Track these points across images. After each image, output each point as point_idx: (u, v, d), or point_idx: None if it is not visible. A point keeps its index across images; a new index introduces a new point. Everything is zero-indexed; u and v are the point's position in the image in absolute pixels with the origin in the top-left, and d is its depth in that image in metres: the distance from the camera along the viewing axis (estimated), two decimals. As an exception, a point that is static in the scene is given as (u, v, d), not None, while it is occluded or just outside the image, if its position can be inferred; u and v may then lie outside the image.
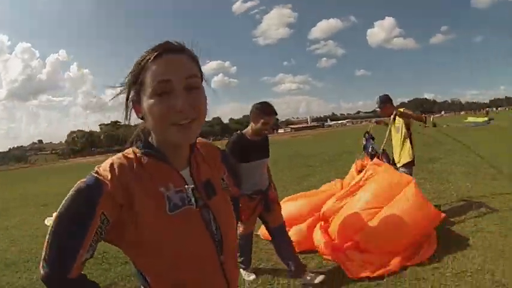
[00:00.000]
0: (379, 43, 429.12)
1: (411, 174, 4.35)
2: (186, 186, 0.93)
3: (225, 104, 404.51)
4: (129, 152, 0.92)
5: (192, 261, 0.90)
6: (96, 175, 0.82)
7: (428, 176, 7.17)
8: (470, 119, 33.04)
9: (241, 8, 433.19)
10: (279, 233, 3.28)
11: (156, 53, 0.85)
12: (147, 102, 0.85)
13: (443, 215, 3.59)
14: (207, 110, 0.92)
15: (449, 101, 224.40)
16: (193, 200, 0.92)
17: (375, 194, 3.77)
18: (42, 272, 0.82)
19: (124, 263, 4.10)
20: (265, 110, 3.02)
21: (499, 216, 4.25)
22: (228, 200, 1.08)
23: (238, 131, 3.29)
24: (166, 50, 0.86)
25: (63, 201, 0.81)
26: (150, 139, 0.94)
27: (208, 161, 1.07)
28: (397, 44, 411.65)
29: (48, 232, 0.81)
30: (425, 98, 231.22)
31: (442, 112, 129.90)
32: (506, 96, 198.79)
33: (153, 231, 0.84)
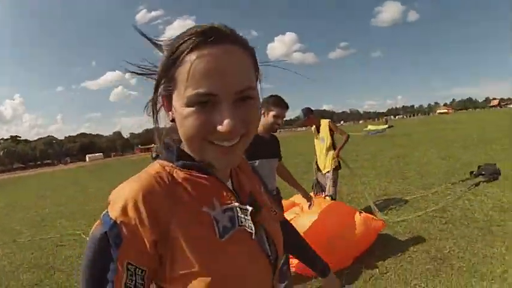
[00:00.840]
0: (279, 57, 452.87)
1: (337, 178, 5.00)
2: (235, 203, 0.73)
3: (126, 118, 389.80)
4: (155, 168, 0.70)
5: None
6: (111, 217, 0.62)
7: (342, 180, 7.89)
8: (371, 127, 35.61)
9: (145, 17, 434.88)
10: None
11: (196, 42, 0.61)
12: (180, 108, 0.64)
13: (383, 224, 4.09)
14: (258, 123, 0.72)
15: (348, 111, 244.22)
16: (244, 219, 0.72)
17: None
18: None
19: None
20: (276, 102, 2.84)
21: (416, 207, 5.19)
22: (272, 214, 0.88)
23: None
24: (213, 38, 0.61)
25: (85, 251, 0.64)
26: (182, 146, 0.75)
27: (243, 171, 0.89)
28: (297, 58, 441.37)
29: None
30: (324, 109, 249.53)
31: (341, 122, 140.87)
32: (403, 105, 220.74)
33: (202, 265, 0.63)
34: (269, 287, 0.78)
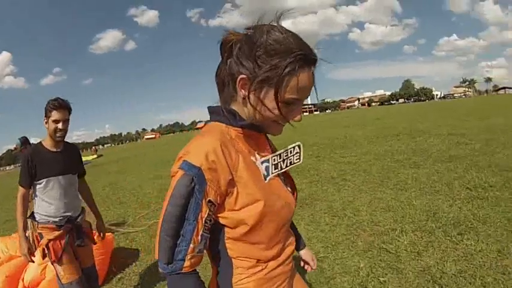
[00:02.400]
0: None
1: None
2: (271, 156, 1.00)
3: None
4: (218, 127, 0.94)
5: (282, 226, 0.98)
6: (194, 164, 0.82)
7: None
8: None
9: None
10: (89, 275, 2.62)
11: (304, 63, 0.83)
12: (269, 100, 0.86)
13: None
14: None
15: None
16: (274, 169, 0.99)
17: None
18: (160, 267, 0.86)
19: None
20: (52, 104, 2.30)
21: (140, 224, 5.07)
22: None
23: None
24: (311, 63, 0.86)
25: (168, 193, 0.85)
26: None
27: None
28: (8, 82, 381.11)
29: (158, 228, 0.85)
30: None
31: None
32: (111, 134, 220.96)
33: (259, 194, 0.89)
34: (292, 214, 1.04)
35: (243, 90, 0.88)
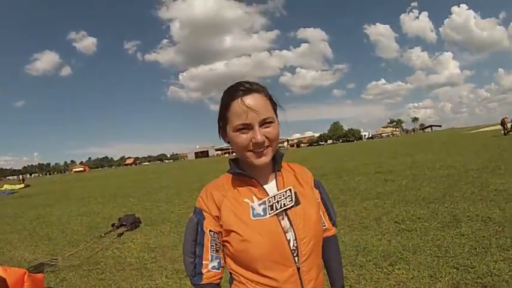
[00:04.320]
0: None
1: None
2: (267, 198, 1.13)
3: None
4: (222, 176, 1.23)
5: (269, 262, 1.08)
6: (196, 207, 1.17)
7: None
8: (7, 186, 32.31)
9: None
10: None
11: (234, 95, 1.09)
12: (231, 135, 1.11)
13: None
14: (279, 136, 1.16)
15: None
16: (271, 209, 1.11)
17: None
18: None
19: None
20: None
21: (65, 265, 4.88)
22: (314, 210, 1.21)
23: None
24: (238, 93, 1.09)
25: (186, 226, 1.19)
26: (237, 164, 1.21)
27: (299, 177, 1.28)
28: None
29: (183, 251, 1.18)
30: None
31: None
32: (39, 163, 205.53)
33: (238, 230, 1.08)
34: (290, 265, 1.10)
35: (226, 141, 1.19)
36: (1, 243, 6.56)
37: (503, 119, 24.87)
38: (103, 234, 6.96)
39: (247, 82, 1.13)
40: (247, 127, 1.07)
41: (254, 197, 1.13)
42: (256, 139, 1.06)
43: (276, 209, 1.11)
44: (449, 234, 4.47)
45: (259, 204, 1.11)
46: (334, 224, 1.44)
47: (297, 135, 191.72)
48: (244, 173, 1.15)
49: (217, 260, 1.15)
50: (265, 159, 1.11)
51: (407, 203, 6.59)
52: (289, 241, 1.10)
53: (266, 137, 1.08)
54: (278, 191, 1.16)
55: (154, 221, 7.94)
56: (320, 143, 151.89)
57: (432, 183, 8.21)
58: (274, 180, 1.21)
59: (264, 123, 1.08)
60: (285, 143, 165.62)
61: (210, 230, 1.12)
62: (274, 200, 1.12)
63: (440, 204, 6.06)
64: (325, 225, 1.36)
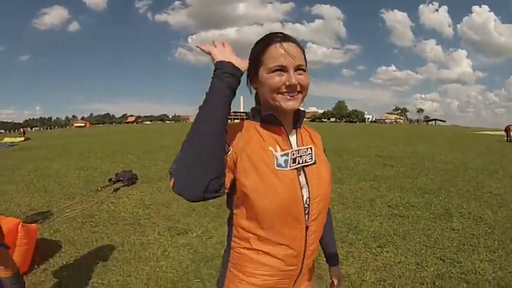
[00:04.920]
0: None
1: None
2: (290, 150, 1.11)
3: None
4: (242, 121, 1.16)
5: (285, 215, 1.06)
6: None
7: None
8: (7, 139, 32.56)
9: None
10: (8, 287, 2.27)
11: (272, 40, 1.11)
12: (265, 77, 1.10)
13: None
14: (308, 87, 1.14)
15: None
16: (293, 162, 1.09)
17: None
18: None
19: None
20: None
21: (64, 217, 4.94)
22: (327, 172, 1.21)
23: None
24: (275, 39, 1.11)
25: None
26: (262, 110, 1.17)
27: (314, 139, 1.27)
28: None
29: None
30: None
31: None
32: (40, 117, 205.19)
33: (262, 177, 1.03)
34: (301, 222, 1.10)
35: (255, 86, 1.18)
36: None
37: (508, 126, 24.52)
38: (99, 189, 6.98)
39: (284, 32, 1.17)
40: (282, 69, 1.08)
41: (278, 147, 1.10)
42: (290, 81, 1.07)
43: (298, 163, 1.11)
44: (440, 226, 4.53)
45: (282, 155, 1.09)
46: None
47: (301, 108, 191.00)
48: (275, 117, 1.13)
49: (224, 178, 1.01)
50: (294, 104, 1.10)
51: (402, 189, 6.66)
52: (305, 198, 1.11)
53: (299, 83, 1.09)
54: (297, 147, 1.16)
55: (151, 179, 7.98)
56: (323, 119, 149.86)
57: (430, 175, 8.23)
58: (295, 136, 1.20)
59: (298, 69, 1.10)
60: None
61: (227, 144, 1.03)
62: (298, 154, 1.12)
63: (435, 196, 6.10)
64: None
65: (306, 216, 1.11)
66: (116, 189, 6.86)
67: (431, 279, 3.10)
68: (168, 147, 15.66)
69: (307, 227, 1.11)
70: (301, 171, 1.13)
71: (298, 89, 1.09)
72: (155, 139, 23.04)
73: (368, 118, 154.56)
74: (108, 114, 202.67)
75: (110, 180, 7.58)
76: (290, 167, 1.08)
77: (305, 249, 1.14)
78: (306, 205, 1.11)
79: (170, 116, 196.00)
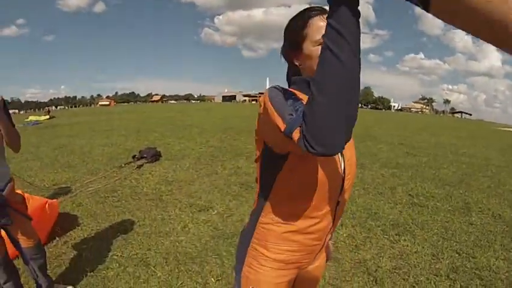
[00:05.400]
0: None
1: None
2: None
3: None
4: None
5: (322, 190, 1.06)
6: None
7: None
8: (32, 117, 33.27)
9: None
10: (30, 256, 2.38)
11: (313, 13, 1.06)
12: (310, 50, 1.05)
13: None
14: None
15: (9, 100, 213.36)
16: None
17: None
18: None
19: None
20: None
21: (87, 192, 4.96)
22: (354, 151, 1.21)
23: None
24: (317, 12, 1.06)
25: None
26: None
27: None
28: None
29: None
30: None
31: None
32: (65, 96, 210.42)
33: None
34: (336, 197, 1.12)
35: (297, 62, 1.11)
36: (22, 170, 6.70)
37: None
38: (123, 165, 7.03)
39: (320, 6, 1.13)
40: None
41: None
42: None
43: None
44: (458, 219, 4.39)
45: None
46: None
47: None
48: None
49: None
50: None
51: (424, 179, 6.50)
52: (342, 173, 1.12)
53: None
54: None
55: (175, 156, 7.98)
56: None
57: (452, 167, 7.97)
58: None
59: None
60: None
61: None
62: None
63: (455, 189, 5.90)
64: None
65: (340, 192, 1.13)
66: (140, 166, 6.89)
67: (445, 272, 3.04)
68: (192, 126, 15.68)
69: (338, 202, 1.14)
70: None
71: None
72: (180, 118, 23.12)
73: (394, 106, 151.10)
74: (133, 93, 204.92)
75: (133, 157, 7.61)
76: None
77: (333, 225, 1.17)
78: (342, 180, 1.12)
79: (196, 96, 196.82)
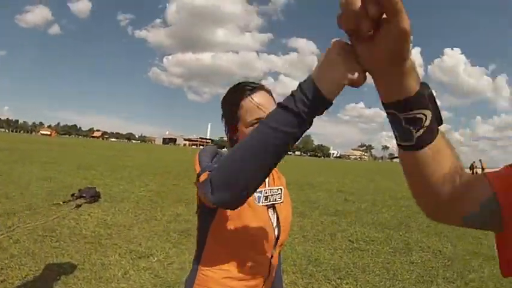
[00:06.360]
0: None
1: None
2: (264, 189, 1.21)
3: None
4: None
5: (256, 243, 1.16)
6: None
7: None
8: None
9: None
10: None
11: (243, 94, 1.14)
12: (244, 132, 1.14)
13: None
14: None
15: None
16: (265, 199, 1.20)
17: None
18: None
19: None
20: None
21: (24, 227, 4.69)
22: (290, 210, 1.34)
23: None
24: (246, 92, 1.15)
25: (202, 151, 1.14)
26: None
27: (281, 180, 1.38)
28: None
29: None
30: None
31: None
32: (7, 118, 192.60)
33: (240, 210, 1.01)
34: (269, 252, 1.20)
35: (234, 137, 1.19)
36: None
37: (473, 163, 25.60)
38: (61, 203, 6.70)
39: (250, 81, 1.20)
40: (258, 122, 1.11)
41: None
42: None
43: (269, 201, 1.22)
44: (399, 259, 4.60)
45: (256, 192, 1.15)
46: None
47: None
48: None
49: None
50: None
51: (363, 224, 6.70)
52: (274, 229, 1.21)
53: None
54: (269, 186, 1.27)
55: (114, 198, 7.75)
56: (288, 152, 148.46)
57: (391, 211, 8.35)
58: (269, 176, 1.30)
59: None
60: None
61: None
62: (270, 192, 1.23)
63: (395, 231, 6.19)
64: None
65: (273, 246, 1.22)
66: (78, 206, 6.61)
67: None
68: (132, 167, 15.30)
69: (271, 256, 1.22)
70: (272, 208, 1.24)
71: None
72: (120, 157, 22.42)
73: (333, 153, 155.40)
74: (75, 125, 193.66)
75: (72, 195, 7.28)
76: (262, 203, 1.19)
77: (268, 275, 1.23)
78: (275, 236, 1.21)
79: (137, 136, 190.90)
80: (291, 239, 5.31)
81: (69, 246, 4.35)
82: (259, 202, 1.19)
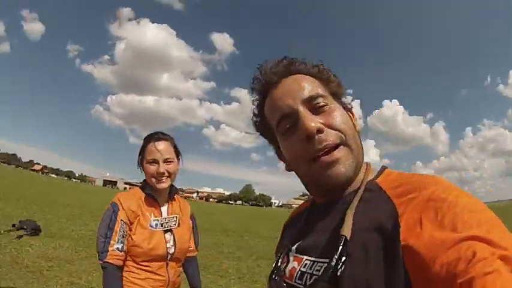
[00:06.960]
0: None
1: None
2: (160, 218, 1.62)
3: None
4: (136, 189, 1.69)
5: (150, 256, 1.55)
6: (115, 201, 1.56)
7: None
8: None
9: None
10: None
11: (150, 140, 1.67)
12: (145, 165, 1.65)
13: None
14: (176, 172, 1.69)
15: None
16: (161, 226, 1.61)
17: None
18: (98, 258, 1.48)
19: None
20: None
21: None
22: (188, 232, 1.76)
23: None
24: (156, 139, 1.68)
25: (103, 213, 1.55)
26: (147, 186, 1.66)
27: (182, 208, 1.77)
28: None
29: (97, 231, 1.52)
30: None
31: None
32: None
33: (138, 232, 1.53)
34: (165, 261, 1.60)
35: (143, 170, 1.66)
36: None
37: None
38: (2, 231, 6.54)
39: (162, 133, 1.68)
40: (155, 162, 1.58)
41: (152, 214, 1.61)
42: (159, 170, 1.57)
43: (164, 227, 1.63)
44: None
45: (154, 220, 1.60)
46: (196, 248, 1.95)
47: (207, 189, 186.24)
48: (154, 196, 1.65)
49: (121, 244, 1.48)
50: (164, 185, 1.61)
51: None
52: (168, 247, 1.61)
53: (167, 170, 1.59)
54: (168, 214, 1.69)
55: (55, 234, 7.63)
56: (229, 201, 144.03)
57: None
58: (167, 206, 1.72)
59: (166, 161, 1.59)
60: (195, 194, 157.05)
61: (121, 220, 1.50)
62: (165, 221, 1.64)
63: None
64: (190, 247, 1.85)
65: (169, 256, 1.61)
66: (19, 237, 6.45)
67: None
68: (72, 206, 14.76)
69: (167, 264, 1.61)
70: (170, 231, 1.64)
71: (167, 174, 1.59)
72: (61, 195, 21.37)
73: (275, 203, 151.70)
74: (15, 155, 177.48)
75: (13, 225, 7.09)
76: (158, 228, 1.60)
77: (169, 278, 1.62)
78: (172, 251, 1.62)
79: (77, 174, 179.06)
80: (227, 280, 5.68)
81: (11, 273, 4.41)
82: (156, 228, 1.59)
